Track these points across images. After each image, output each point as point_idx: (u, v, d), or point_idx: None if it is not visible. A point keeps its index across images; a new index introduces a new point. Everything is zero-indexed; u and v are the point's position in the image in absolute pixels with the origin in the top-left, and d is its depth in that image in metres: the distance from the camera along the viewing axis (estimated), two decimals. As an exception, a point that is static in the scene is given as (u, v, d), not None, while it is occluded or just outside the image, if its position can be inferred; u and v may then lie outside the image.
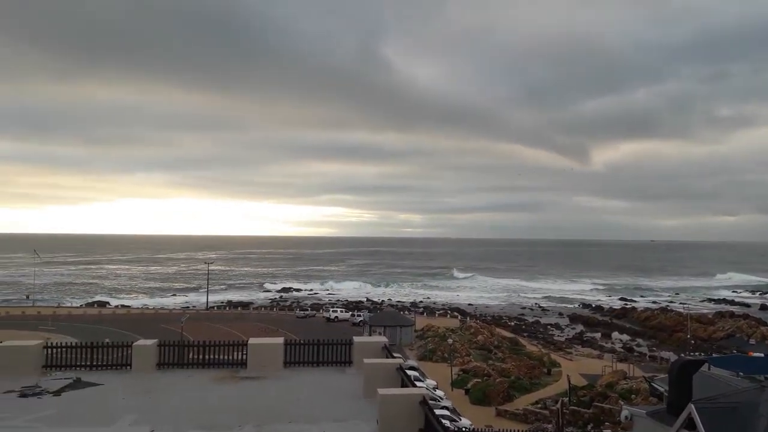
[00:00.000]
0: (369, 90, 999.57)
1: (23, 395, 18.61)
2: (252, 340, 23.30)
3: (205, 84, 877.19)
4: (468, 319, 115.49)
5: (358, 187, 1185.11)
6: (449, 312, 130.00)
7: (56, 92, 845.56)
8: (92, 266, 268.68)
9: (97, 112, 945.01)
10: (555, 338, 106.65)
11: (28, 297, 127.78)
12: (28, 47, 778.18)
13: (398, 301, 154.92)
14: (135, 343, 22.66)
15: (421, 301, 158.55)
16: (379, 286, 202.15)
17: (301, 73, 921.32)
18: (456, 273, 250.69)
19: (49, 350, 22.67)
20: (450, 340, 76.82)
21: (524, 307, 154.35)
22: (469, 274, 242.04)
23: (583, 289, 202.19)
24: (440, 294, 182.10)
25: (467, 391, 59.56)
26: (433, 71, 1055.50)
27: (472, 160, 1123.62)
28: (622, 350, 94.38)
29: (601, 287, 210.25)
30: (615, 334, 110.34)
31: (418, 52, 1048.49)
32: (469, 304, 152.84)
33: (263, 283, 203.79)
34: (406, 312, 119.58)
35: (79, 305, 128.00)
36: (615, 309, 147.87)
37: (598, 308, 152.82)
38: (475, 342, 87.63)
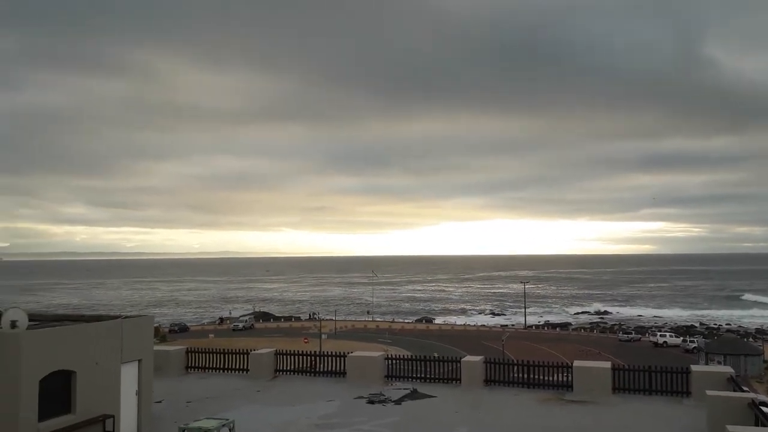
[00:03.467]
0: (691, 93, 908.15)
1: (371, 402, 20.94)
2: (577, 363, 22.68)
3: (516, 109, 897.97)
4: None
5: (683, 199, 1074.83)
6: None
7: (383, 130, 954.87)
8: (417, 285, 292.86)
9: (419, 145, 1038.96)
10: None
11: (368, 312, 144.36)
12: (361, 94, 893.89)
13: (740, 326, 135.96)
14: (463, 359, 23.86)
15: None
16: (712, 308, 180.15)
17: (615, 84, 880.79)
18: (747, 296, 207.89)
19: (390, 361, 25.25)
20: (813, 375, 64.64)
21: None
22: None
23: None
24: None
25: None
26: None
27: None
28: None
29: None
30: None
31: (747, 46, 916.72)
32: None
33: (579, 304, 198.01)
34: (751, 339, 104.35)
35: (410, 321, 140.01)
36: None
37: None
38: None
